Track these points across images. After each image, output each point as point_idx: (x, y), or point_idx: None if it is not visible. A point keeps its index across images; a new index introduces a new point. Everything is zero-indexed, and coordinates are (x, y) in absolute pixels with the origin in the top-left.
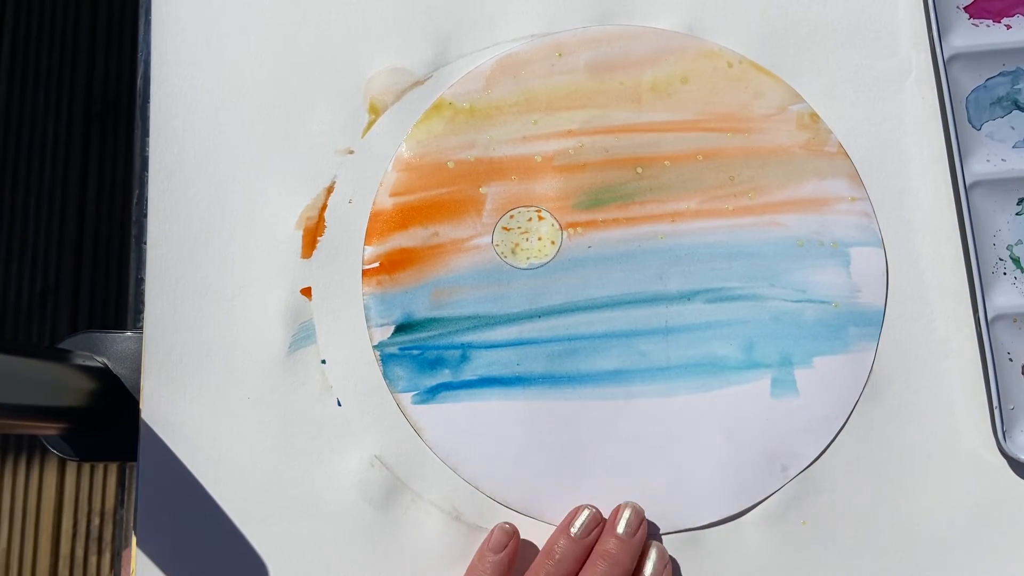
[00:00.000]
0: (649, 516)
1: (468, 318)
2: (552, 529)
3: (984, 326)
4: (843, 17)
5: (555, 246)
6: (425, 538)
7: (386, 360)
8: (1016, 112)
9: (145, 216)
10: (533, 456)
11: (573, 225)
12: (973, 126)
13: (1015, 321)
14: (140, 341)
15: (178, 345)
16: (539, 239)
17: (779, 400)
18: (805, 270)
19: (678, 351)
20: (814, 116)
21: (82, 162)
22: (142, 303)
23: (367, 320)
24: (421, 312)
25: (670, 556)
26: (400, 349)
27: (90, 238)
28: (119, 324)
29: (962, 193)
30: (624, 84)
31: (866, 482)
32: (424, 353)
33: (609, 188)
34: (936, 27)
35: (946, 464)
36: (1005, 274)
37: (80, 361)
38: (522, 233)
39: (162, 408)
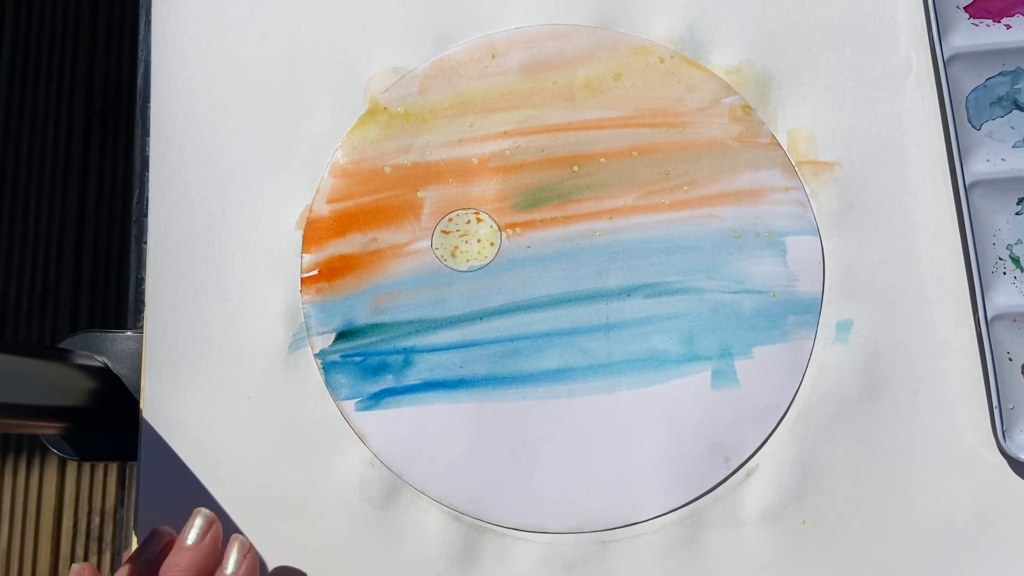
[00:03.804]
0: (595, 512)
1: (410, 323)
2: (498, 531)
3: (984, 326)
4: (843, 17)
5: (494, 247)
6: (425, 538)
7: (328, 368)
8: (1016, 112)
9: (145, 216)
10: (478, 458)
11: (512, 226)
12: (973, 126)
13: (1015, 321)
14: (140, 341)
15: (179, 345)
16: (478, 241)
17: (720, 391)
18: (742, 261)
19: (619, 347)
20: (746, 108)
21: (82, 162)
22: (142, 303)
23: (307, 329)
24: (362, 318)
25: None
26: (342, 356)
27: (90, 238)
28: (119, 324)
29: (962, 193)
30: (558, 83)
31: (866, 482)
32: (367, 359)
33: (546, 187)
34: (936, 27)
35: (946, 464)
36: (1005, 273)
37: (80, 361)
38: (461, 236)
39: (163, 408)
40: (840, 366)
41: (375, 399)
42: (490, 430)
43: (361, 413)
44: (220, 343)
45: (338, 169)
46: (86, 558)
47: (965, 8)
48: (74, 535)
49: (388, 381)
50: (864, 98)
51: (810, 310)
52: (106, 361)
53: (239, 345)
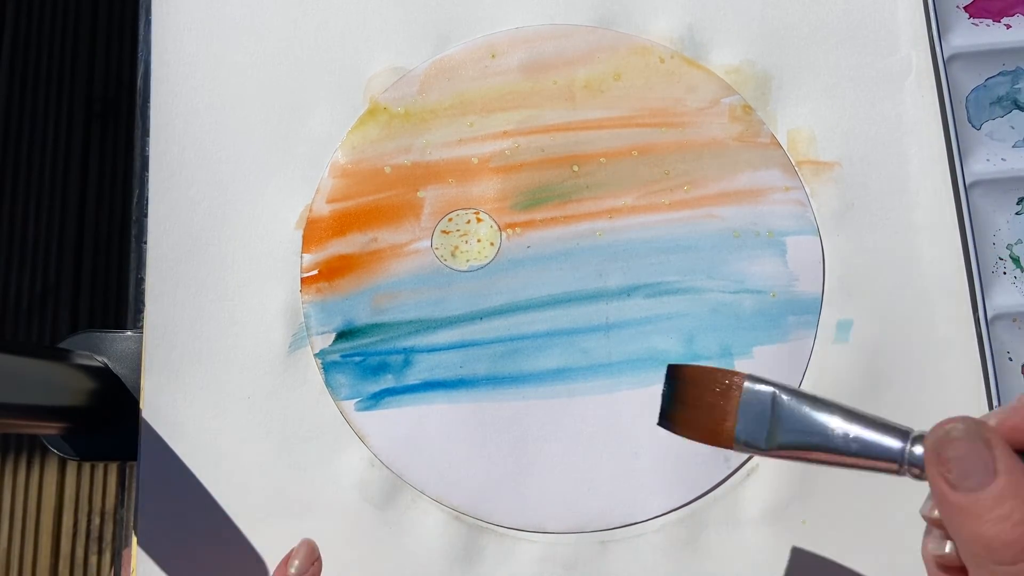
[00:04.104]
0: (595, 512)
1: (410, 322)
2: (498, 531)
3: (984, 326)
4: (843, 17)
5: (494, 247)
6: (425, 538)
7: (328, 368)
8: (1016, 111)
9: (145, 216)
10: (479, 458)
11: (512, 226)
12: (973, 125)
13: (1015, 321)
14: (140, 341)
15: (178, 345)
16: (478, 241)
17: None
18: (742, 261)
19: (619, 347)
20: (746, 108)
21: (82, 162)
22: (142, 303)
23: (307, 329)
24: (362, 318)
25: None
26: (342, 356)
27: (90, 238)
28: (119, 324)
29: (962, 193)
30: (558, 83)
31: (866, 482)
32: (367, 359)
33: (546, 187)
34: (936, 26)
35: None
36: (1005, 273)
37: (80, 361)
38: (461, 236)
39: (162, 407)
40: (840, 366)
41: (375, 399)
42: (490, 430)
43: (361, 413)
44: (220, 343)
45: (338, 169)
46: (86, 558)
47: (965, 8)
48: (74, 535)
49: (388, 381)
50: (864, 98)
51: (810, 310)
52: (106, 361)
53: (239, 345)
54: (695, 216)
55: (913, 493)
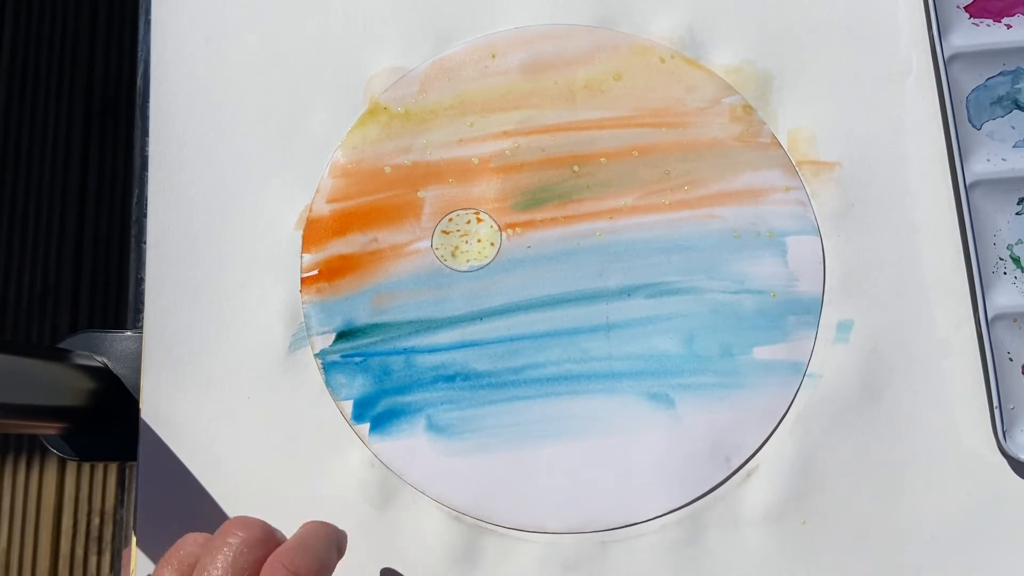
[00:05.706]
0: (595, 513)
1: (410, 323)
2: (498, 531)
3: (984, 326)
4: (843, 17)
5: (495, 248)
6: (425, 538)
7: (328, 368)
8: (1016, 111)
9: (145, 216)
10: (478, 458)
11: (512, 226)
12: (973, 126)
13: (1015, 321)
14: (140, 341)
15: (178, 345)
16: (478, 241)
17: (721, 391)
18: (743, 261)
19: (620, 347)
20: (747, 108)
21: (82, 162)
22: (142, 303)
23: (307, 329)
24: (362, 318)
25: None
26: (342, 356)
27: (90, 238)
28: (119, 324)
29: (962, 193)
30: (558, 83)
31: (866, 482)
32: (367, 360)
33: (546, 187)
34: (936, 26)
35: (946, 464)
36: (1005, 273)
37: (80, 361)
38: (461, 236)
39: (162, 408)
40: (840, 366)
41: (375, 399)
42: (490, 430)
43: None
44: (220, 343)
45: (338, 169)
46: (86, 558)
47: (965, 8)
48: (74, 535)
49: (388, 381)
50: (864, 98)
51: (810, 310)
52: (106, 361)
53: (239, 345)
54: (696, 216)
55: (912, 493)
